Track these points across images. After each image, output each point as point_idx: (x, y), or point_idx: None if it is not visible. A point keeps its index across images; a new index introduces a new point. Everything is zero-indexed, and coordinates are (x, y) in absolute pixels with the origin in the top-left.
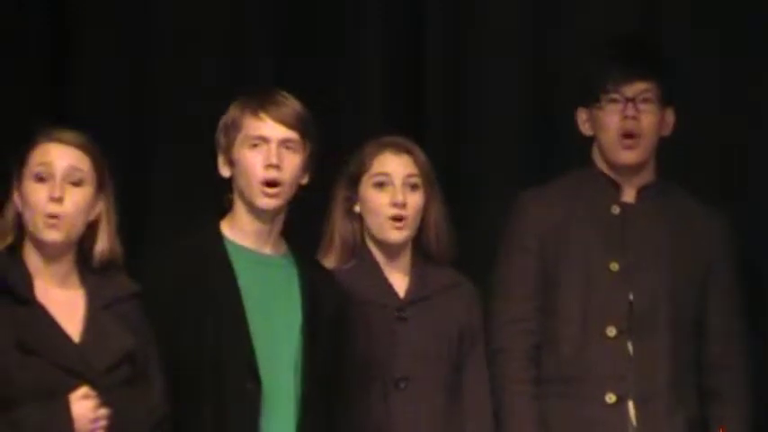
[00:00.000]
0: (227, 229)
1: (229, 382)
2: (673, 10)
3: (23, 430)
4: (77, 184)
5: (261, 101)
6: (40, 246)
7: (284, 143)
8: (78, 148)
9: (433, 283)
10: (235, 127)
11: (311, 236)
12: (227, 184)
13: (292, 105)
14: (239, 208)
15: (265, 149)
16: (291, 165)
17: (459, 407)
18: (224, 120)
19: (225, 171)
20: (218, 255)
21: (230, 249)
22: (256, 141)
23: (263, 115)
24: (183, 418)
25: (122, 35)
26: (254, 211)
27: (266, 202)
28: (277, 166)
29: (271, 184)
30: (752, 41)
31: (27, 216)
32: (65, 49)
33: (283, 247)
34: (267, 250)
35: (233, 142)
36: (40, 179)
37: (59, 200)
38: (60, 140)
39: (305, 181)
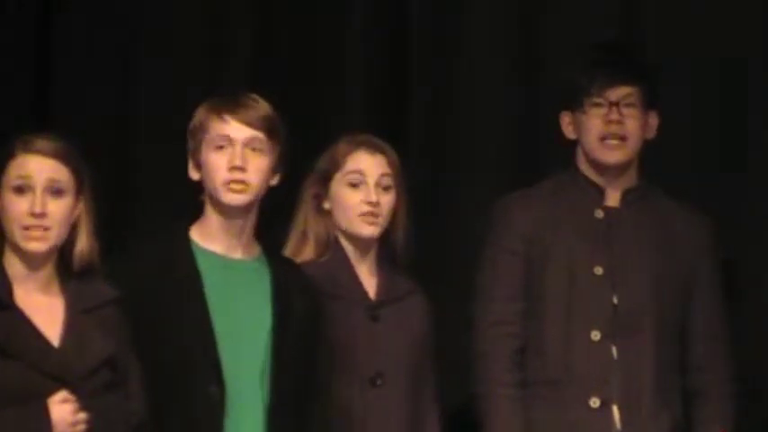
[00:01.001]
0: (196, 233)
1: (194, 386)
2: (655, 10)
3: None
4: (58, 194)
5: (226, 102)
6: (23, 255)
7: (249, 144)
8: (57, 159)
9: (399, 288)
10: (201, 129)
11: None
12: (199, 187)
13: (258, 107)
14: (208, 210)
15: (230, 151)
16: (257, 166)
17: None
18: (191, 123)
19: (194, 174)
20: (183, 258)
21: (197, 253)
22: (221, 143)
23: (227, 117)
24: (149, 423)
25: (106, 35)
26: (223, 210)
27: (231, 198)
28: (241, 168)
29: (235, 182)
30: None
31: (7, 226)
32: (46, 51)
33: (256, 250)
34: (237, 254)
35: (199, 145)
36: (20, 191)
37: (42, 215)
38: (38, 152)
39: (275, 182)
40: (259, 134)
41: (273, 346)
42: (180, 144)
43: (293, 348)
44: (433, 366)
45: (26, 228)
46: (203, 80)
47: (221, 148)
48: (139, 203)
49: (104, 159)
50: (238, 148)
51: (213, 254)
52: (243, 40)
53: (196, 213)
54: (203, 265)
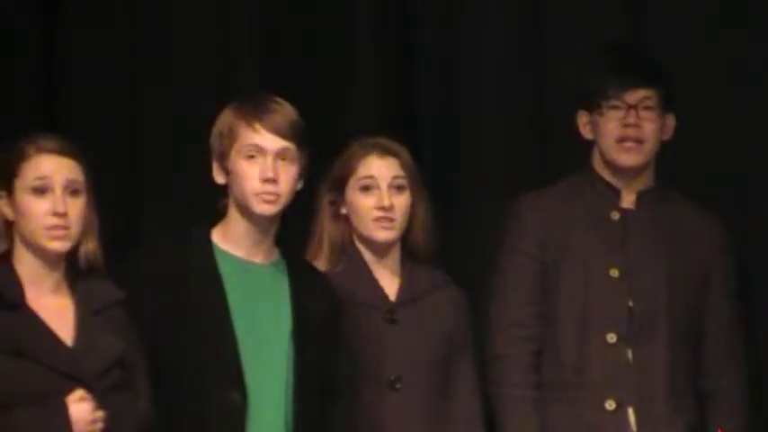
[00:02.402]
0: (218, 235)
1: (213, 393)
2: (664, 10)
3: None
4: (75, 194)
5: (256, 109)
6: (41, 255)
7: (280, 154)
8: (72, 158)
9: (422, 284)
10: (230, 136)
11: (296, 239)
12: (223, 190)
13: (287, 113)
14: (233, 215)
15: (261, 162)
16: (288, 176)
17: (449, 411)
18: (217, 126)
19: (219, 178)
20: (204, 261)
21: (218, 256)
22: (252, 152)
23: (258, 126)
24: (165, 428)
25: (112, 34)
26: (250, 217)
27: (263, 208)
28: (274, 180)
29: (267, 194)
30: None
31: (24, 227)
32: (52, 48)
33: (275, 254)
34: (258, 258)
35: (228, 151)
36: (40, 192)
37: (64, 214)
38: (54, 151)
39: (300, 187)
40: (290, 144)
41: (294, 349)
42: (190, 144)
43: (313, 352)
44: (470, 359)
45: (49, 228)
46: (211, 80)
47: (252, 157)
48: (148, 203)
49: (112, 160)
50: (270, 159)
51: (235, 257)
52: (251, 40)
53: (212, 214)
54: (224, 269)
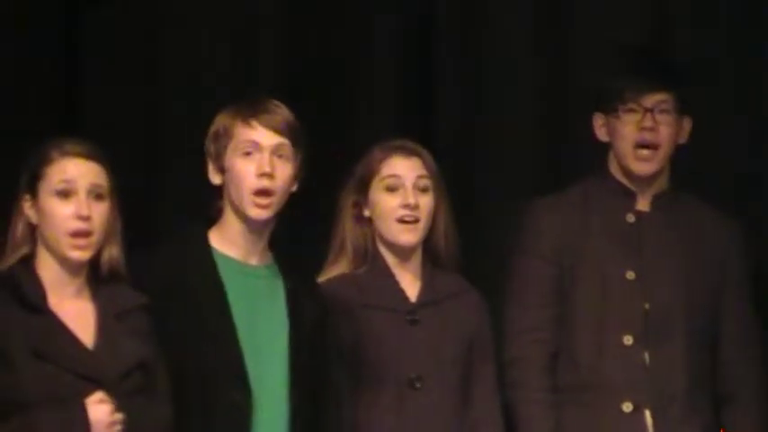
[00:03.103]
0: (215, 237)
1: (218, 395)
2: (685, 12)
3: None
4: (99, 198)
5: (252, 108)
6: (63, 261)
7: (276, 151)
8: (97, 162)
9: (443, 289)
10: (225, 135)
11: (317, 241)
12: (218, 192)
13: (283, 112)
14: (229, 216)
15: (258, 158)
16: (283, 173)
17: (469, 417)
18: (213, 127)
19: (215, 179)
20: (205, 265)
21: (217, 259)
22: (249, 149)
23: (254, 123)
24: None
25: (132, 36)
26: (245, 220)
27: (258, 213)
28: (270, 175)
29: (263, 193)
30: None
31: (48, 232)
32: (74, 54)
33: (268, 257)
34: (253, 261)
35: (223, 150)
36: (64, 195)
37: (87, 218)
38: (79, 155)
39: (294, 189)
40: (285, 141)
41: (291, 352)
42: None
43: (308, 353)
44: (491, 364)
45: (72, 234)
46: (231, 81)
47: (248, 154)
48: (167, 206)
49: (132, 163)
50: (266, 154)
51: (232, 260)
52: (270, 41)
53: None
54: (223, 272)
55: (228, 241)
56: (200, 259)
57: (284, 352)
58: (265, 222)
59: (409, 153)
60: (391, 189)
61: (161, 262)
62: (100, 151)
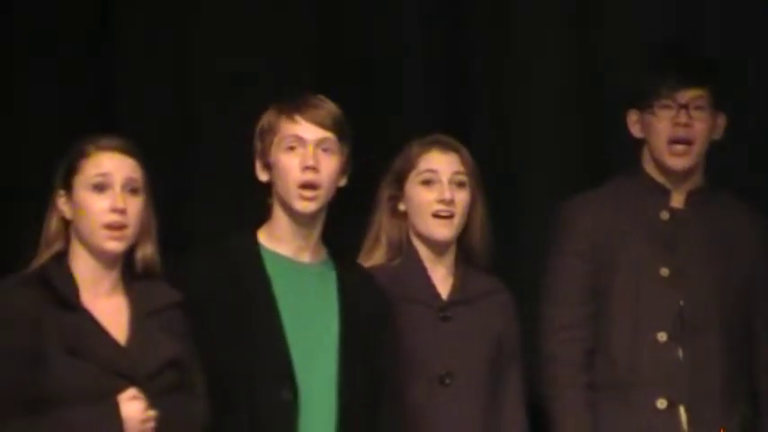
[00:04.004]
0: (264, 235)
1: (264, 392)
2: (714, 10)
3: (72, 431)
4: (134, 192)
5: (296, 103)
6: (98, 255)
7: (320, 144)
8: (132, 157)
9: (475, 287)
10: (270, 131)
11: (354, 235)
12: (266, 190)
13: (328, 107)
14: (277, 213)
15: (302, 152)
16: (329, 167)
17: (497, 416)
18: (259, 124)
19: (262, 176)
20: (252, 262)
21: (266, 257)
22: (293, 143)
23: (298, 117)
24: (217, 429)
25: (165, 32)
26: (293, 214)
27: (304, 206)
28: (314, 168)
29: (308, 186)
30: None
31: (83, 226)
32: (109, 46)
33: (323, 253)
34: (305, 258)
35: (269, 146)
36: (99, 189)
37: (123, 211)
38: (115, 149)
39: (342, 183)
40: (330, 135)
41: (341, 349)
42: (240, 145)
43: (361, 351)
44: (518, 365)
45: (107, 227)
46: (263, 81)
47: (292, 148)
48: (199, 204)
49: (163, 160)
50: (310, 148)
51: (282, 257)
52: (302, 39)
53: (260, 215)
54: (272, 269)
55: (278, 238)
56: (247, 257)
57: (334, 349)
58: (313, 216)
59: (447, 148)
60: (427, 183)
61: (207, 261)
62: (135, 146)
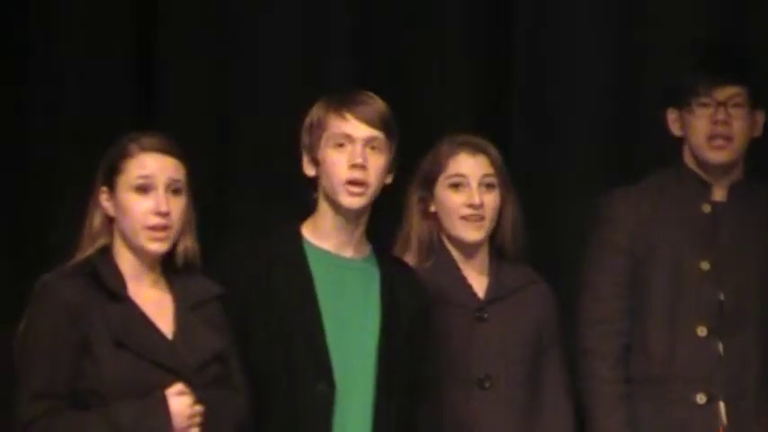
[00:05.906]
0: (308, 230)
1: (302, 385)
2: (760, 10)
3: (120, 425)
4: (177, 193)
5: (345, 100)
6: (139, 254)
7: (369, 143)
8: (175, 157)
9: (511, 282)
10: (319, 126)
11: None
12: (312, 184)
13: (377, 105)
14: (323, 208)
15: (350, 149)
16: (376, 165)
17: (538, 407)
18: (308, 119)
19: (309, 170)
20: (293, 256)
21: (308, 251)
22: (341, 140)
23: (347, 115)
24: (254, 421)
25: (206, 34)
26: (339, 210)
27: (351, 201)
28: (362, 166)
29: (355, 183)
30: None
31: (126, 225)
32: (148, 49)
33: (366, 250)
34: (348, 253)
35: (317, 142)
36: (143, 190)
37: (167, 214)
38: (158, 150)
39: (389, 181)
40: (378, 133)
41: (381, 346)
42: (280, 143)
43: (401, 348)
44: (559, 354)
45: (150, 228)
46: (303, 80)
47: (341, 146)
48: (241, 203)
49: (206, 159)
50: (359, 146)
51: (325, 252)
52: (341, 39)
53: (302, 210)
54: (314, 264)
55: (321, 233)
56: (288, 251)
57: (374, 345)
58: (358, 212)
59: (475, 150)
60: (456, 186)
61: (250, 254)
62: (177, 146)
